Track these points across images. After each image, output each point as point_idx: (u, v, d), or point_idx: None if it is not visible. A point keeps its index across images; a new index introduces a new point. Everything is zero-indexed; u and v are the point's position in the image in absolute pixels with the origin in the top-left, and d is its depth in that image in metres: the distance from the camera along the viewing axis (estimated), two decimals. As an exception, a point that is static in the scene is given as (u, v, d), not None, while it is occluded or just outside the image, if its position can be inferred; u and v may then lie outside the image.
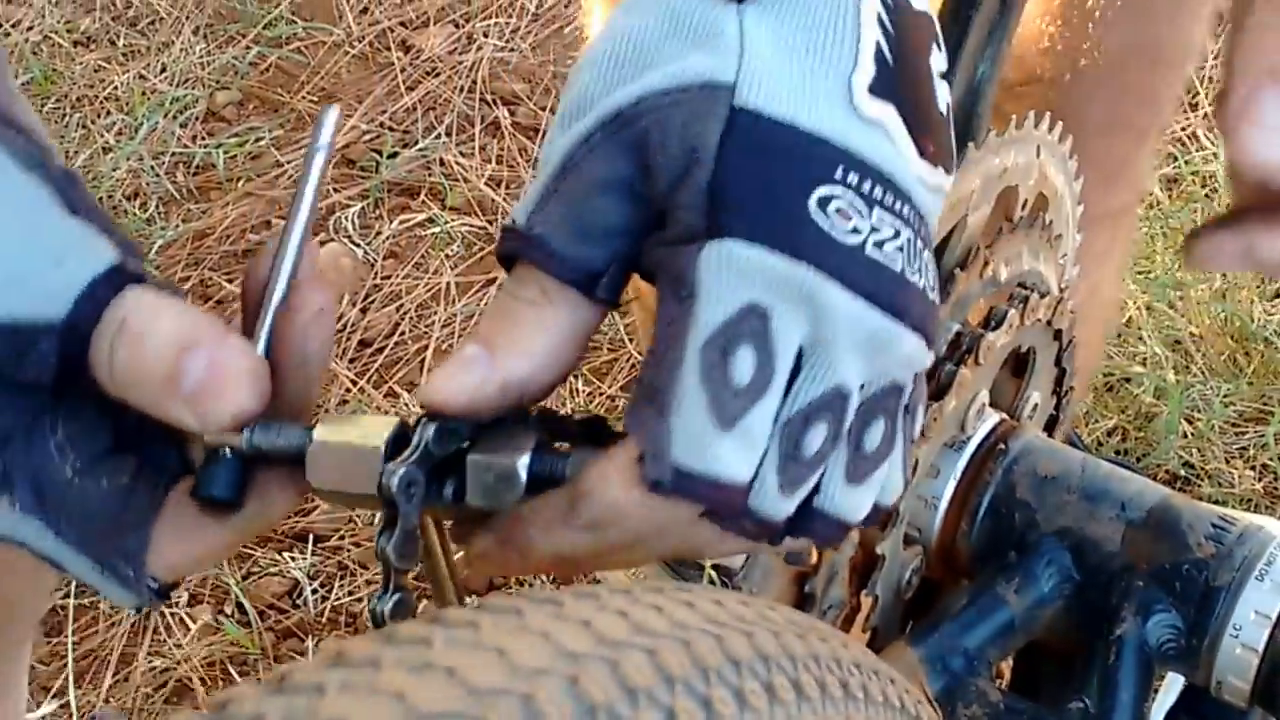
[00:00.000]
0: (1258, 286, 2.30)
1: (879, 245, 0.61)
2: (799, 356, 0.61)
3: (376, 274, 2.41)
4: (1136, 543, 0.93)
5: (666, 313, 0.61)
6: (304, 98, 2.76)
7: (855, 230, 0.60)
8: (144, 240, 2.46)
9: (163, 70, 2.83)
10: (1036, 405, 1.05)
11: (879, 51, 0.62)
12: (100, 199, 2.51)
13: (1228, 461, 2.11)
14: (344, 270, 2.39)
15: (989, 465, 0.96)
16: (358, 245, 2.45)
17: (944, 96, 0.66)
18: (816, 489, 0.64)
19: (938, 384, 0.91)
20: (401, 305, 2.36)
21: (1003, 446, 0.96)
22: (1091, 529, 0.94)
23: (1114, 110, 1.40)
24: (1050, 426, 1.10)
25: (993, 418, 0.97)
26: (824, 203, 0.60)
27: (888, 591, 0.94)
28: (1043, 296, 0.98)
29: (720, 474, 0.61)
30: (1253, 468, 2.10)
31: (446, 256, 2.43)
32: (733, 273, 0.59)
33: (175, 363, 0.61)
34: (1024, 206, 0.98)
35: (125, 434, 0.66)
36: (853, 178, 0.61)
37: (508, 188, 2.54)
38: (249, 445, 0.64)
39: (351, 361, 2.28)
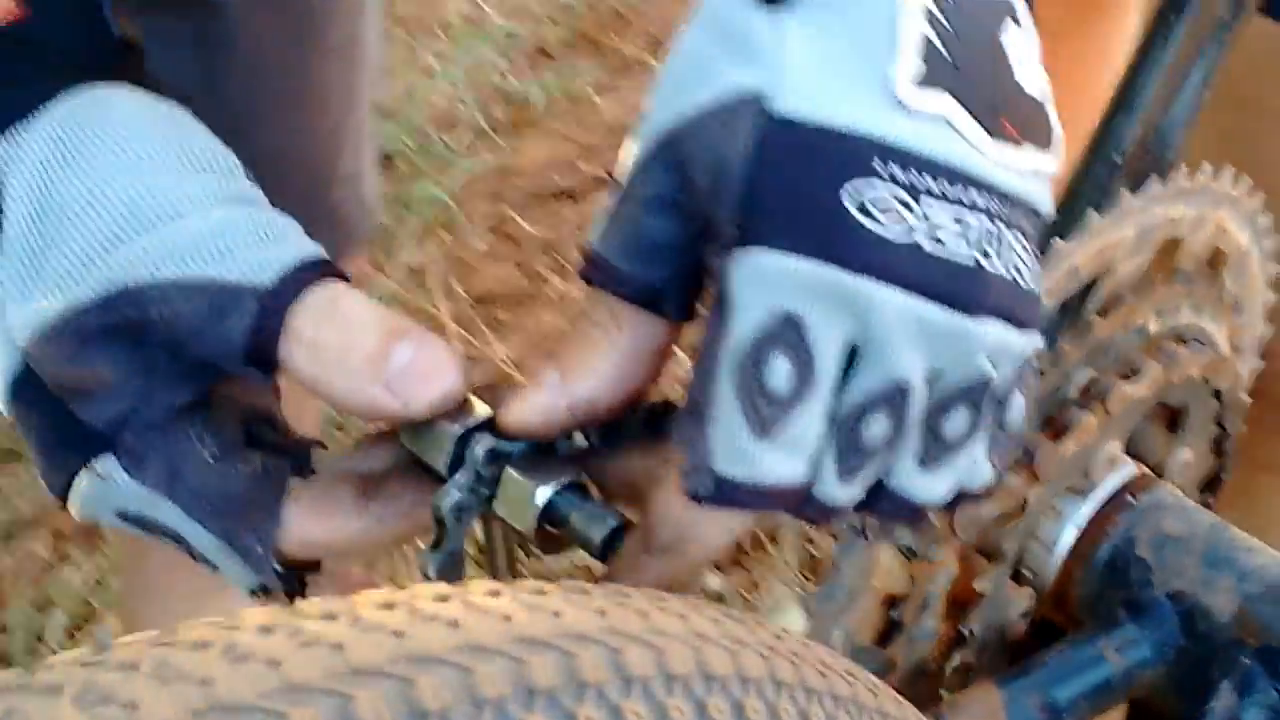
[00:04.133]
0: None
1: (934, 237, 0.60)
2: (853, 353, 0.61)
3: None
4: (1250, 617, 0.90)
5: (709, 325, 0.62)
6: (631, 41, 2.79)
7: (901, 223, 0.59)
8: (449, 169, 2.52)
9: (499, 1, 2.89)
10: (1187, 463, 1.02)
11: (927, 43, 0.61)
12: (415, 125, 2.58)
13: None
14: None
15: (1114, 517, 0.94)
16: None
17: (1028, 75, 0.64)
18: (890, 474, 0.64)
19: (1057, 426, 0.89)
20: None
21: (1131, 499, 0.94)
22: (1206, 596, 0.91)
23: None
24: (1213, 485, 1.07)
25: (1126, 469, 0.95)
26: (861, 197, 0.59)
27: (988, 630, 0.93)
28: (1196, 353, 0.95)
29: (763, 479, 0.62)
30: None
31: None
32: (760, 282, 0.60)
33: (383, 345, 0.65)
34: (1190, 261, 0.95)
35: (251, 436, 0.70)
36: (894, 169, 0.59)
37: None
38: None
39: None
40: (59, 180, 0.67)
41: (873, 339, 0.60)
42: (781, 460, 0.61)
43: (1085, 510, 0.94)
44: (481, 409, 0.68)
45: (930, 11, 0.61)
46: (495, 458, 0.67)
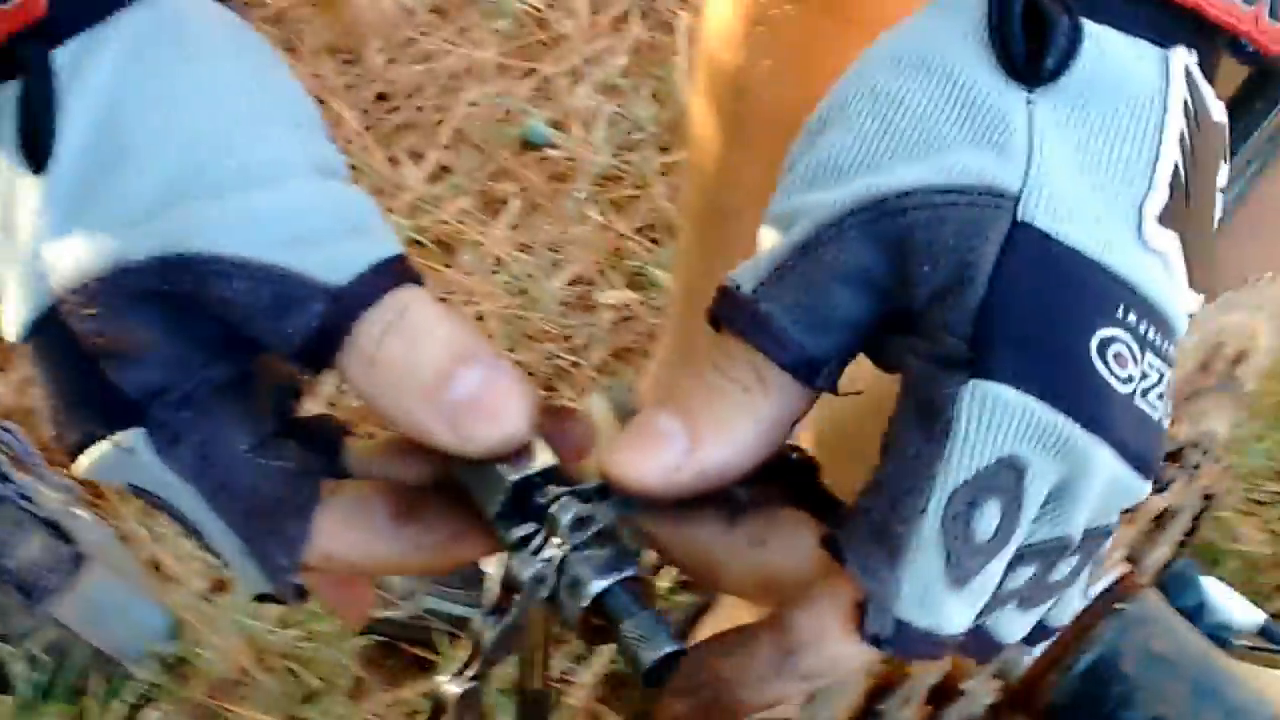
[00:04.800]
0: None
1: (1145, 394, 0.55)
2: None
3: (415, 27, 2.27)
4: (1231, 757, 0.86)
5: (909, 439, 0.55)
6: None
7: (1129, 379, 0.55)
8: None
9: None
10: (1159, 560, 0.98)
11: (1175, 173, 0.56)
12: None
13: (1236, 509, 2.00)
14: (384, 12, 2.26)
15: (1101, 622, 0.89)
16: None
17: (1218, 215, 0.60)
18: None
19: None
20: (431, 68, 2.23)
21: (1120, 606, 0.89)
22: (1189, 729, 0.87)
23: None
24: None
25: (1116, 570, 0.90)
26: (1104, 346, 0.54)
27: (957, 721, 0.88)
28: (1215, 462, 0.91)
29: (943, 630, 0.57)
30: (1266, 529, 1.99)
31: (495, 30, 2.28)
32: (995, 420, 0.54)
33: (447, 369, 0.58)
34: (1227, 364, 0.90)
35: (284, 422, 0.63)
36: (1133, 318, 0.55)
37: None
38: None
39: (364, 113, 2.16)
40: (129, 106, 0.58)
41: (1068, 494, 0.56)
42: (963, 610, 0.57)
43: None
44: (542, 451, 0.61)
45: (1184, 136, 0.57)
46: (581, 524, 0.60)
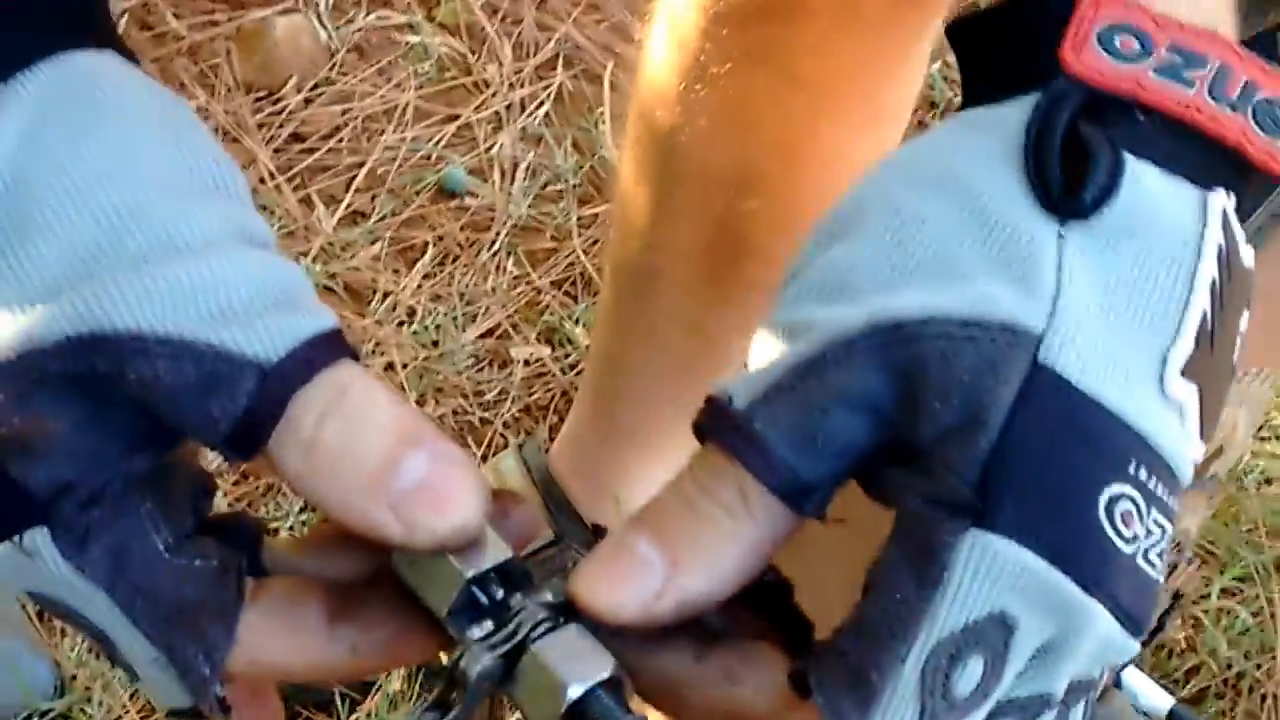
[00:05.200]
0: (1259, 428, 2.17)
1: (1147, 554, 0.52)
2: None
3: (334, 66, 2.21)
4: None
5: (897, 582, 0.52)
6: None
7: (1134, 538, 0.52)
8: None
9: None
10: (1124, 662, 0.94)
11: (1203, 323, 0.54)
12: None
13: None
14: (303, 50, 2.20)
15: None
16: (324, 26, 2.23)
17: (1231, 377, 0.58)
18: None
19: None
20: (350, 109, 2.17)
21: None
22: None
23: None
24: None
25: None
26: (1112, 504, 0.51)
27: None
28: (1189, 564, 0.87)
29: None
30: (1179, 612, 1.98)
31: (415, 73, 2.23)
32: (993, 575, 0.51)
33: (394, 454, 0.53)
34: (1204, 463, 0.87)
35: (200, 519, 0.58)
36: (1144, 474, 0.52)
37: (503, 19, 2.31)
38: None
39: (277, 152, 2.10)
40: (35, 174, 0.54)
41: (1055, 651, 0.53)
42: None
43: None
44: (495, 544, 0.57)
45: (1215, 284, 0.54)
46: (542, 627, 0.56)
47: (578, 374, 1.88)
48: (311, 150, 2.11)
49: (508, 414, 1.88)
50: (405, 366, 1.89)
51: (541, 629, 0.56)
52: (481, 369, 1.92)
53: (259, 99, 2.13)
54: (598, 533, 0.58)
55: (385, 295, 1.96)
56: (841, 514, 0.56)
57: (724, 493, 0.54)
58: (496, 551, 0.56)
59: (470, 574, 0.55)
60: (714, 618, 0.57)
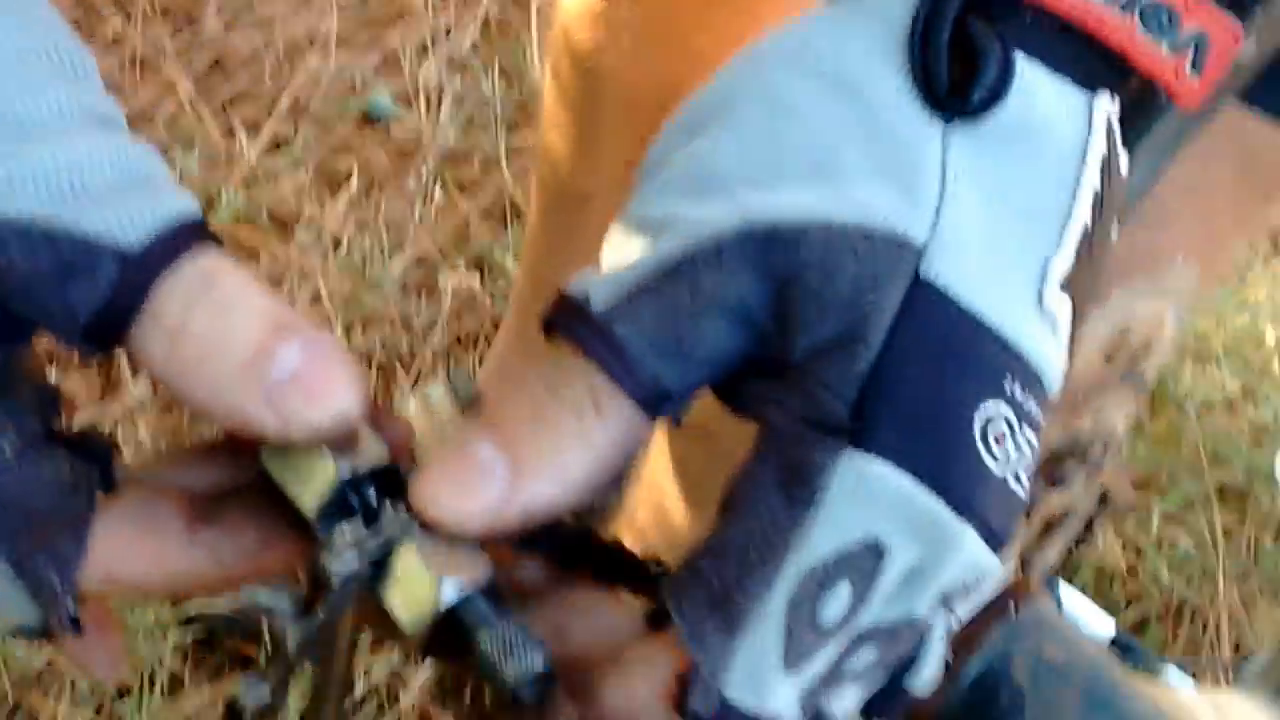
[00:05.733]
0: (1198, 354, 2.17)
1: (1017, 475, 0.50)
2: None
3: None
4: (1124, 774, 0.81)
5: (765, 504, 0.49)
6: None
7: (1005, 458, 0.49)
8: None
9: None
10: (1049, 562, 0.93)
11: (1084, 238, 0.51)
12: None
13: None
14: None
15: (990, 628, 0.83)
16: None
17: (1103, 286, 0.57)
18: None
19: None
20: (271, 37, 2.13)
21: (1012, 611, 0.83)
22: (1081, 742, 0.82)
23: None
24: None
25: (1007, 574, 0.84)
26: (987, 425, 0.49)
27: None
28: (1114, 463, 0.85)
29: (767, 713, 0.50)
30: (1122, 538, 1.98)
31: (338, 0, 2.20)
32: (868, 499, 0.48)
33: (266, 344, 0.49)
34: (1130, 355, 0.85)
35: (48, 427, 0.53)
36: (1017, 390, 0.50)
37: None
38: None
39: (197, 79, 2.06)
40: None
41: (922, 575, 0.50)
42: (791, 694, 0.50)
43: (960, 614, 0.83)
44: (374, 445, 0.53)
45: (1096, 195, 0.52)
46: (416, 533, 0.52)
47: (508, 302, 1.86)
48: (233, 77, 2.08)
49: (437, 343, 1.85)
50: (332, 296, 1.86)
51: (415, 534, 0.52)
52: (410, 298, 1.89)
53: (178, 26, 2.10)
54: None
55: (310, 224, 1.93)
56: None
57: (575, 395, 0.51)
58: (374, 454, 0.53)
59: (345, 472, 0.52)
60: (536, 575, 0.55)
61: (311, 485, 0.52)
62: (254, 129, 2.02)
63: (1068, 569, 1.83)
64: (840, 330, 0.49)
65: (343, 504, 0.52)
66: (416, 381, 1.80)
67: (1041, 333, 0.51)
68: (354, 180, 1.98)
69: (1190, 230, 1.25)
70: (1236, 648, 1.87)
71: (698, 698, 0.49)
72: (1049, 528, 0.88)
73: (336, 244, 1.92)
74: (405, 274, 1.90)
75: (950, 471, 0.49)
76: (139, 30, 2.03)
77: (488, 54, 2.15)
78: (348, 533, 0.52)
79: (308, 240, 1.91)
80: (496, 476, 0.50)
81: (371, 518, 0.52)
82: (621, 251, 0.52)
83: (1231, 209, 1.25)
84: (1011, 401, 0.50)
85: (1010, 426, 0.50)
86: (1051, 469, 0.81)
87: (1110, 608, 1.86)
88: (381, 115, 2.05)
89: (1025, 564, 0.90)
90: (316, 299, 1.84)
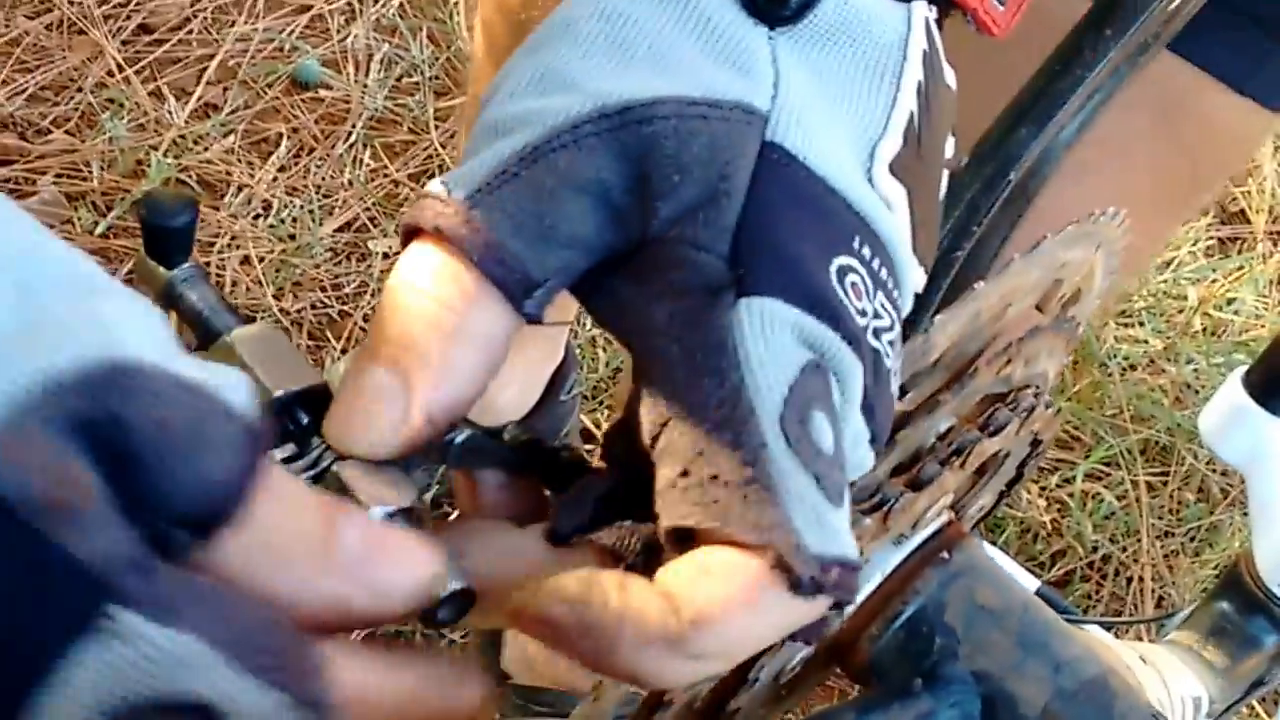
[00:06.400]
0: (1121, 313, 2.20)
1: (878, 334, 0.53)
2: None
3: None
4: (1058, 713, 0.82)
5: (698, 388, 0.49)
6: None
7: (864, 312, 0.52)
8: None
9: None
10: (982, 508, 0.94)
11: (910, 125, 0.55)
12: None
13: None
14: None
15: (923, 571, 0.84)
16: None
17: (943, 189, 0.59)
18: None
19: (916, 479, 0.78)
20: (199, 1, 2.12)
21: (945, 556, 0.84)
22: (1014, 683, 0.82)
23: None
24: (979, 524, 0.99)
25: (940, 518, 0.85)
26: (842, 274, 0.51)
27: (769, 675, 0.82)
28: (1047, 407, 0.86)
29: (849, 554, 0.50)
30: (1045, 495, 2.00)
31: None
32: (784, 334, 0.50)
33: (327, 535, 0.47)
34: (1061, 302, 0.86)
35: None
36: (867, 251, 0.53)
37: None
38: None
39: (125, 44, 2.04)
40: None
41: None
42: (849, 528, 0.51)
43: (893, 560, 0.84)
44: (306, 371, 0.54)
45: (921, 87, 0.56)
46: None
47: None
48: (161, 42, 2.06)
49: (367, 306, 1.85)
50: (262, 260, 1.85)
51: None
52: (340, 262, 1.88)
53: (105, -10, 2.08)
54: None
55: (240, 189, 1.92)
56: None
57: (444, 290, 0.50)
58: (306, 377, 0.53)
59: (278, 394, 0.52)
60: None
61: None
62: (182, 94, 2.01)
63: (990, 527, 1.86)
64: (704, 190, 0.50)
65: (276, 425, 0.52)
66: (348, 345, 1.80)
67: (880, 205, 0.53)
68: (283, 145, 1.97)
69: (1123, 179, 1.27)
70: (1159, 602, 1.89)
71: (800, 566, 0.48)
72: (981, 473, 0.89)
73: (266, 208, 1.91)
74: (335, 238, 1.90)
75: (827, 306, 0.50)
76: (65, -6, 2.03)
77: (415, 18, 2.14)
78: (277, 455, 0.52)
79: (237, 204, 1.90)
80: (391, 395, 0.50)
81: (301, 441, 0.52)
82: (477, 150, 0.52)
83: (1149, 161, 1.26)
84: (862, 259, 0.52)
85: (864, 282, 0.52)
86: (983, 414, 0.82)
87: (1034, 565, 1.88)
88: (310, 80, 2.04)
89: (958, 509, 0.91)
90: (246, 262, 1.84)
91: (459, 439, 0.53)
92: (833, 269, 0.51)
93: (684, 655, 0.48)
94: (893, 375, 0.55)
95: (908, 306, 0.56)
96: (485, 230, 0.50)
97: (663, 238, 0.51)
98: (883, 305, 0.53)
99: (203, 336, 0.56)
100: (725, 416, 0.49)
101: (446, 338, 0.50)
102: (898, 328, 0.54)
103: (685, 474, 0.50)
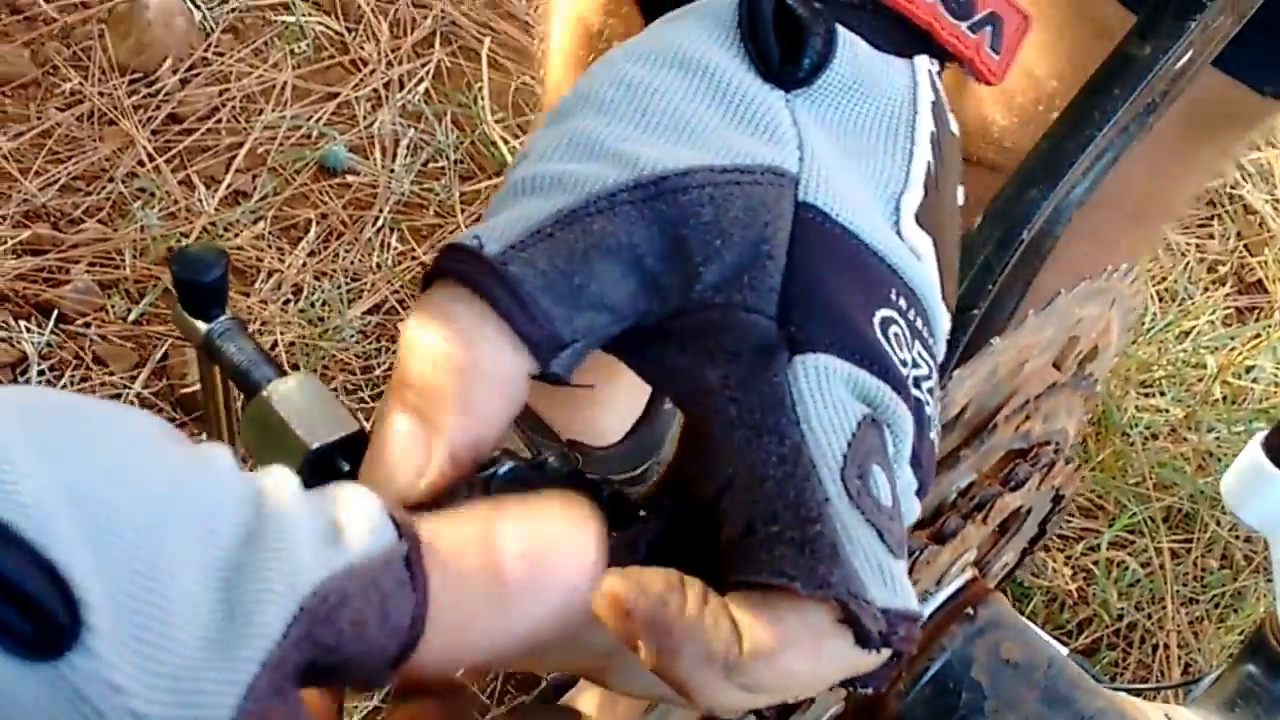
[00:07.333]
0: (1142, 382, 2.21)
1: (918, 383, 0.54)
2: None
3: (210, 46, 2.17)
4: (1083, 767, 0.83)
5: (757, 446, 0.50)
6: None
7: (905, 362, 0.53)
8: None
9: None
10: (1006, 565, 0.95)
11: (929, 175, 0.57)
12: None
13: (1047, 548, 1.99)
14: (177, 31, 2.17)
15: (949, 627, 0.86)
16: (196, 7, 2.20)
17: (959, 234, 0.61)
18: None
19: (939, 533, 0.80)
20: (227, 90, 2.14)
21: (970, 612, 0.86)
22: (1040, 736, 0.84)
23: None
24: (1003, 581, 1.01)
25: (964, 574, 0.87)
26: (885, 325, 0.53)
27: (802, 730, 0.83)
28: (1067, 462, 0.88)
29: (912, 606, 0.51)
30: (1071, 564, 2.00)
31: (292, 53, 2.20)
32: (840, 389, 0.51)
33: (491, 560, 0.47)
34: (1078, 359, 0.88)
35: None
36: (903, 303, 0.54)
37: (380, -2, 2.31)
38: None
39: (155, 134, 2.07)
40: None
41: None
42: (908, 580, 0.52)
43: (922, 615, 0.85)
44: (344, 418, 0.56)
45: (934, 136, 0.58)
46: None
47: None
48: (190, 131, 2.09)
49: (397, 389, 1.86)
50: (292, 344, 1.87)
51: None
52: (369, 344, 1.91)
53: (134, 81, 2.10)
54: (574, 447, 0.56)
55: (270, 274, 1.94)
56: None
57: (464, 335, 0.51)
58: (343, 426, 0.55)
59: (315, 445, 0.54)
60: None
61: (285, 458, 0.54)
62: (212, 182, 2.03)
63: (1016, 596, 1.86)
64: (744, 254, 0.52)
65: (316, 473, 0.53)
66: (378, 426, 1.81)
67: (909, 257, 0.55)
68: (312, 230, 2.00)
69: (1135, 230, 1.28)
70: (1185, 669, 1.89)
71: (868, 621, 0.49)
72: (1004, 528, 0.91)
73: (296, 293, 1.93)
74: (364, 321, 1.92)
75: (876, 359, 0.52)
76: (96, 87, 2.05)
77: (440, 103, 2.17)
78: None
79: (267, 290, 1.92)
80: (414, 441, 0.50)
81: None
82: (508, 209, 0.53)
83: (1178, 154, 1.29)
84: (900, 310, 0.54)
85: (904, 335, 0.53)
86: (1003, 470, 0.83)
87: (1061, 634, 1.88)
88: (337, 166, 2.06)
89: (982, 566, 0.93)
90: (275, 347, 1.86)
91: (501, 471, 0.54)
92: (876, 321, 0.53)
93: (738, 683, 0.49)
94: (933, 423, 0.56)
95: (941, 353, 0.57)
96: (514, 282, 0.51)
97: (709, 303, 0.52)
98: (920, 354, 0.54)
99: (243, 388, 0.58)
100: (788, 473, 0.50)
101: (466, 377, 0.51)
102: (935, 375, 0.56)
103: (750, 531, 0.50)
